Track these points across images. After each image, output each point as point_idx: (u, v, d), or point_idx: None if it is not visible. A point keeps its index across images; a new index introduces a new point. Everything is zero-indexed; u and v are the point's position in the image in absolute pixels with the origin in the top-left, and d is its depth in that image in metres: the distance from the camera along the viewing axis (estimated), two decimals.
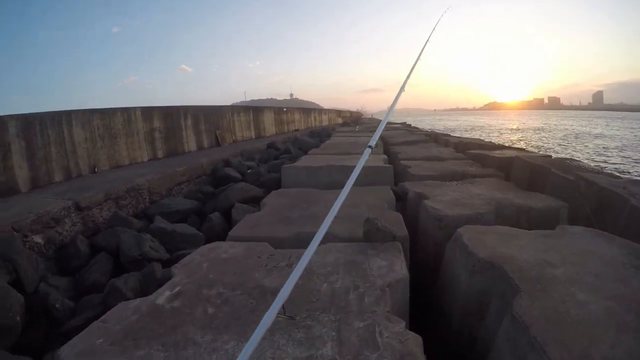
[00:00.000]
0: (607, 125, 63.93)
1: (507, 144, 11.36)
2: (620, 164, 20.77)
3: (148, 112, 9.00)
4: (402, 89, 2.99)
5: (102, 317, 2.02)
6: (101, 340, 1.81)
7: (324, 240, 3.13)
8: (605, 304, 1.89)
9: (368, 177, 5.28)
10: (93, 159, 7.11)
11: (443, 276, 3.07)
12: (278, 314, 1.34)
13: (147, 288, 3.06)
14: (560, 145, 30.63)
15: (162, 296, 2.20)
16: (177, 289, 2.28)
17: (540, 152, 10.76)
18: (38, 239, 3.89)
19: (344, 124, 31.91)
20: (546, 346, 1.61)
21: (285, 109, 20.38)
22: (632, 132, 46.97)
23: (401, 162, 6.55)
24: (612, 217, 3.80)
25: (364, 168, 5.25)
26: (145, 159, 8.60)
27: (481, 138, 17.94)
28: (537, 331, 1.71)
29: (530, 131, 50.66)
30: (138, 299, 2.22)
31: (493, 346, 2.07)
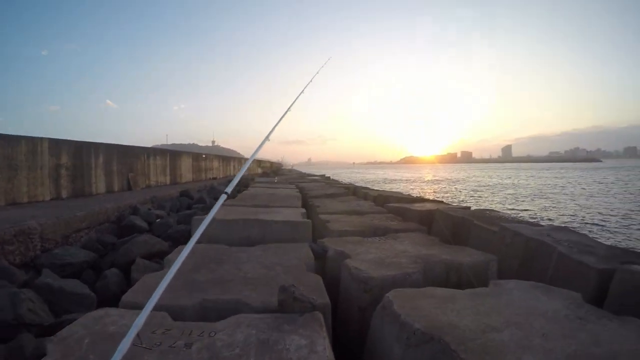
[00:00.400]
0: (516, 176, 69.49)
1: (424, 197, 11.72)
2: (532, 210, 22.42)
3: (56, 145, 8.11)
4: (266, 138, 3.15)
5: None
6: None
7: (236, 311, 2.82)
8: None
9: (285, 233, 5.02)
10: None
11: (370, 349, 2.76)
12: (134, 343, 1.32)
13: None
14: (472, 196, 32.42)
15: None
16: None
17: (458, 204, 11.19)
18: None
19: (264, 174, 31.78)
20: None
21: (204, 156, 19.87)
22: (537, 180, 51.36)
23: (320, 215, 6.38)
24: (540, 266, 3.83)
25: (280, 223, 5.00)
26: (47, 198, 7.62)
27: (399, 191, 18.44)
28: None
29: (444, 183, 53.74)
30: None
31: None
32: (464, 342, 2.04)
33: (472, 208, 7.25)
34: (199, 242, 4.88)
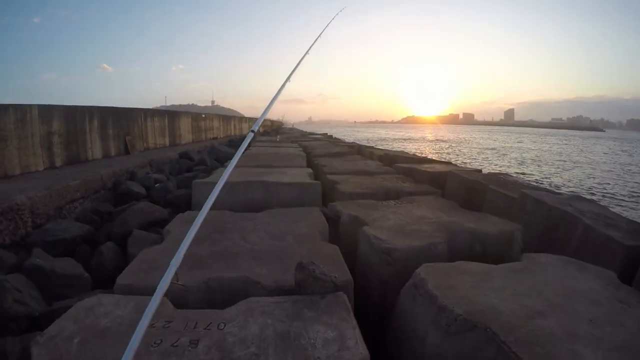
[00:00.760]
0: (518, 140, 68.75)
1: (430, 157, 11.34)
2: (536, 176, 22.00)
3: (47, 111, 7.58)
4: (284, 84, 3.07)
5: None
6: None
7: (245, 292, 2.36)
8: None
9: (293, 196, 4.65)
10: None
11: (398, 330, 2.45)
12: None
13: None
14: (476, 159, 31.93)
15: None
16: None
17: (466, 166, 10.80)
18: None
19: (265, 133, 31.30)
20: None
21: (203, 115, 19.35)
22: (541, 145, 50.67)
23: (327, 176, 6.02)
24: (563, 237, 3.58)
25: (288, 184, 4.59)
26: (41, 168, 7.15)
27: (404, 150, 18.03)
28: None
29: (447, 143, 53.31)
30: None
31: None
32: (511, 330, 1.77)
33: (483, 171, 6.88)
34: (197, 208, 4.56)
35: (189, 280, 2.38)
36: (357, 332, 1.80)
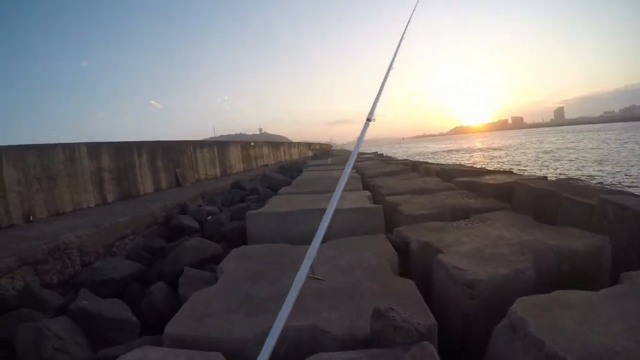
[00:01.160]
0: (577, 140, 65.40)
1: (487, 167, 10.61)
2: (603, 176, 20.40)
3: (95, 148, 7.69)
4: (369, 118, 2.91)
5: None
6: None
7: (313, 343, 1.99)
8: None
9: (355, 223, 4.25)
10: (27, 205, 5.81)
11: None
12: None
13: None
14: (532, 165, 30.39)
15: None
16: None
17: (529, 174, 10.01)
18: None
19: (315, 157, 31.20)
20: None
21: (252, 143, 19.40)
22: (598, 144, 47.85)
23: (386, 198, 5.59)
24: None
25: (348, 210, 4.12)
26: (92, 204, 7.24)
27: (459, 162, 17.26)
28: None
29: (504, 151, 51.36)
30: None
31: None
32: None
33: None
34: (255, 239, 4.23)
35: (244, 333, 2.01)
36: None
